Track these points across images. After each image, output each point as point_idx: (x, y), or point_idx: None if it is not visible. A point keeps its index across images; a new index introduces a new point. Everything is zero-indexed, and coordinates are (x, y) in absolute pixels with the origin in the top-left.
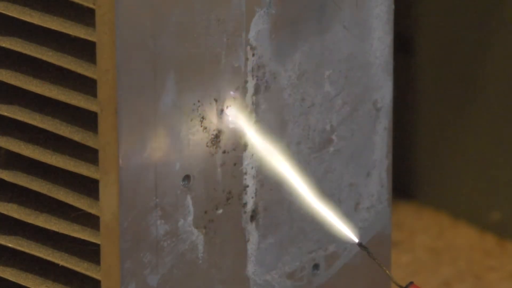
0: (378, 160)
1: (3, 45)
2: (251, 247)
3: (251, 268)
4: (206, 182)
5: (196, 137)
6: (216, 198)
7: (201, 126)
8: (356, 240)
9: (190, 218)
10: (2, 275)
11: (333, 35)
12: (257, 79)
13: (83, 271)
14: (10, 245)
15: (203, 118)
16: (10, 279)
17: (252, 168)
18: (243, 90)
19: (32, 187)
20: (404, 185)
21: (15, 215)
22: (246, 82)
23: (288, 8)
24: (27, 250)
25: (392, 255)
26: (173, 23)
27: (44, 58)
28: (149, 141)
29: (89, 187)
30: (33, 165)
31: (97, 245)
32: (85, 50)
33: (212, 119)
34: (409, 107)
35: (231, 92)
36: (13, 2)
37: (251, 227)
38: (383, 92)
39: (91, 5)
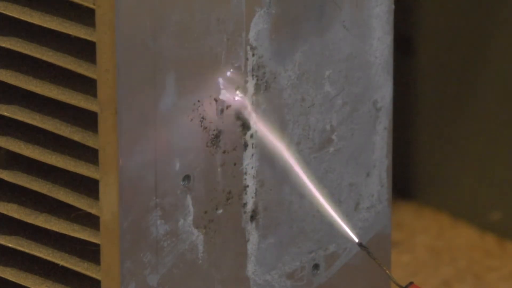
0: (378, 160)
1: (3, 45)
2: (251, 247)
3: (251, 268)
4: (206, 182)
5: (196, 137)
6: (216, 198)
7: (201, 126)
8: (356, 240)
9: (190, 218)
10: (2, 275)
11: (333, 35)
12: (257, 79)
13: (83, 271)
14: (10, 245)
15: (203, 118)
16: (10, 279)
17: (252, 168)
18: (243, 90)
19: (32, 187)
20: (404, 185)
21: (15, 215)
22: (246, 82)
23: (288, 8)
24: (27, 250)
25: (392, 255)
26: (173, 23)
27: (44, 58)
28: (149, 141)
29: (89, 187)
30: (33, 165)
31: (97, 245)
32: (85, 50)
33: (212, 119)
34: (409, 107)
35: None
36: (13, 2)
37: (251, 227)
38: (383, 92)
39: (91, 5)
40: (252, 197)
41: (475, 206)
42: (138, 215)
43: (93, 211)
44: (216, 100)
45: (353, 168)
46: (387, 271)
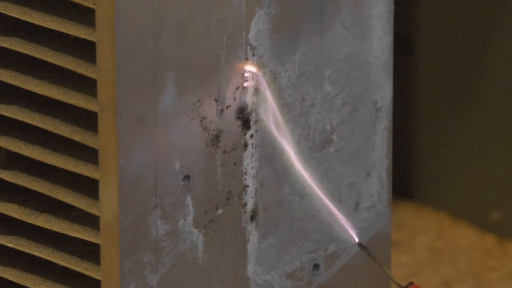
0: (378, 160)
1: (3, 45)
2: (251, 247)
3: (251, 268)
4: (206, 182)
5: (196, 137)
6: (216, 198)
7: (201, 126)
8: (356, 240)
9: (190, 218)
10: (2, 275)
11: (333, 35)
12: (257, 79)
13: (83, 271)
14: (10, 245)
15: (203, 118)
16: (10, 279)
17: (252, 168)
18: (243, 90)
19: (32, 187)
20: (404, 185)
21: (15, 215)
22: (246, 82)
23: (288, 8)
24: (27, 250)
25: (392, 255)
26: (173, 23)
27: (44, 58)
28: (149, 141)
29: (89, 187)
30: (33, 165)
31: (97, 245)
32: (85, 50)
33: (212, 119)
34: (409, 107)
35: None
36: (13, 2)
37: (251, 227)
38: (383, 92)
39: (91, 5)
40: (252, 197)
41: (475, 206)
42: (138, 215)
43: (93, 211)
44: (216, 100)
45: (353, 168)
46: (387, 271)
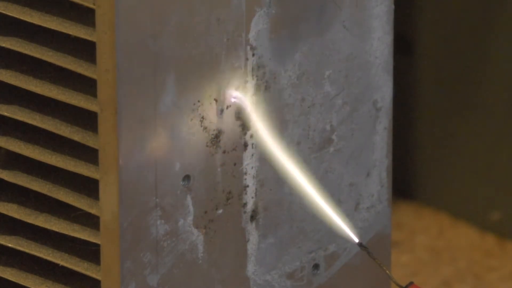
0: (378, 160)
1: (3, 45)
2: (251, 247)
3: (251, 268)
4: (206, 182)
5: (196, 137)
6: (216, 198)
7: (201, 126)
8: (356, 240)
9: (190, 218)
10: (2, 275)
11: (333, 35)
12: (257, 79)
13: (83, 271)
14: (10, 245)
15: (203, 118)
16: (10, 279)
17: (252, 168)
18: (243, 90)
19: (32, 187)
20: (404, 185)
21: (15, 215)
22: (246, 82)
23: (288, 8)
24: (27, 250)
25: (392, 255)
26: (173, 23)
27: (44, 58)
28: (149, 141)
29: (89, 187)
30: (33, 165)
31: (97, 245)
32: (85, 50)
33: (212, 119)
34: (409, 107)
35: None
36: (13, 2)
37: (251, 227)
38: (383, 92)
39: (91, 5)
40: (252, 197)
41: (475, 206)
42: (138, 215)
43: (93, 211)
44: (216, 100)
45: (353, 168)
46: (387, 271)
